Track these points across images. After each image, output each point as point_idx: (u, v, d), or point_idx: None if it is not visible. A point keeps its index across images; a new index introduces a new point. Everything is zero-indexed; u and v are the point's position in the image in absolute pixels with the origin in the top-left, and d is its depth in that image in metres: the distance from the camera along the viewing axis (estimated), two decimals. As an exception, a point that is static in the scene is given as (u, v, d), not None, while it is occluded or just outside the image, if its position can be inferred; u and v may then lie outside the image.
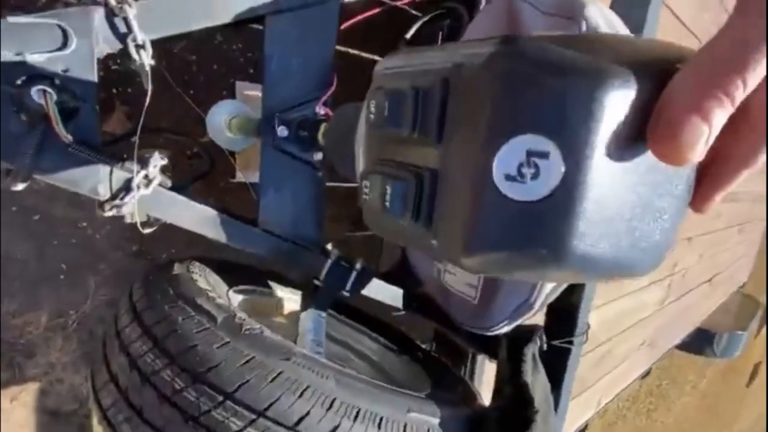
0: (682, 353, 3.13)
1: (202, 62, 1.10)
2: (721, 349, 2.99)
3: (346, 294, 0.84)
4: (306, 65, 0.69)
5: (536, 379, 0.58)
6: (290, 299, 0.96)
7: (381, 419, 0.44)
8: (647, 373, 1.95)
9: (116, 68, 0.98)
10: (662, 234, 0.19)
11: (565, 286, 0.59)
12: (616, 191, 0.17)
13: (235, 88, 1.14)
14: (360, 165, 0.27)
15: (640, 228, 0.18)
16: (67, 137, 0.48)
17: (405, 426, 0.45)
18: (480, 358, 1.02)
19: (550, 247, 0.17)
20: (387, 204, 0.20)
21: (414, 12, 0.87)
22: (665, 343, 1.97)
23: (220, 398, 0.40)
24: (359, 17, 0.78)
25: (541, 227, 0.17)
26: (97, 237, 1.07)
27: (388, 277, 0.92)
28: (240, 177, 1.22)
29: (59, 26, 0.48)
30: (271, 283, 0.93)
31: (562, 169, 0.16)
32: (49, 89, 0.47)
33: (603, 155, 0.16)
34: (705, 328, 2.49)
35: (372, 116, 0.21)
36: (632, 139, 0.17)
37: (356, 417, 0.42)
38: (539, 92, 0.16)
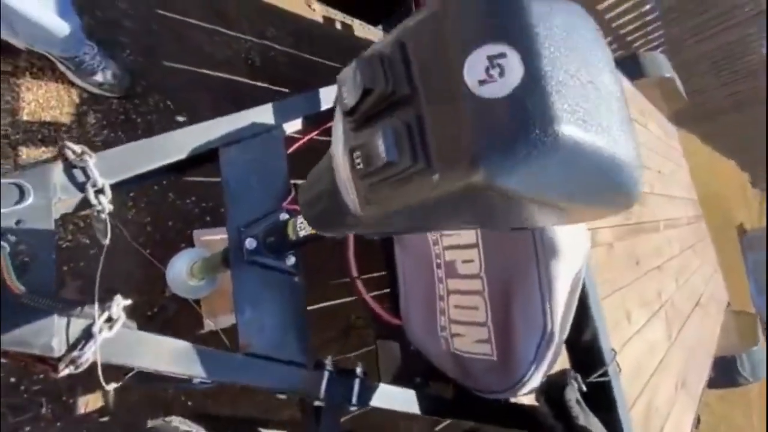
0: (719, 392, 2.90)
1: (158, 221, 1.12)
2: (749, 371, 2.84)
3: (354, 408, 0.73)
4: (263, 180, 0.74)
5: (590, 423, 0.52)
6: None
7: None
8: (698, 422, 1.77)
9: (67, 245, 0.96)
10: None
11: (573, 309, 0.57)
12: (566, 66, 0.20)
13: (192, 237, 1.15)
14: (341, 174, 0.28)
15: (600, 97, 0.20)
16: (20, 288, 0.45)
17: None
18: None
19: (539, 125, 0.18)
20: (383, 155, 0.20)
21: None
22: (696, 378, 1.85)
23: None
24: (302, 141, 0.88)
25: (524, 112, 0.19)
26: (48, 369, 0.87)
27: (396, 382, 0.83)
28: (209, 325, 1.14)
29: (15, 184, 0.49)
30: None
31: (519, 58, 0.19)
32: (2, 243, 0.45)
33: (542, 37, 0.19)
34: (723, 356, 2.40)
35: (345, 97, 0.23)
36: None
37: None
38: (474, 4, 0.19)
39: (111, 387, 0.52)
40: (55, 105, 1.01)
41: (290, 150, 0.81)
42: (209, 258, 0.96)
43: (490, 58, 0.19)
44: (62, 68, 1.02)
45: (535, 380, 0.58)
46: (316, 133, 0.91)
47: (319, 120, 0.86)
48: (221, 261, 0.82)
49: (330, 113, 0.90)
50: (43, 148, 1.00)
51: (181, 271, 1.00)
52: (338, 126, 0.28)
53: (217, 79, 1.33)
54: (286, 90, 1.51)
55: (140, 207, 1.09)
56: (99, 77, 1.04)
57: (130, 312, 0.56)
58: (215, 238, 1.17)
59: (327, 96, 0.90)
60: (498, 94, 0.19)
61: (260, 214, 0.72)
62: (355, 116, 0.23)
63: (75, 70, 1.02)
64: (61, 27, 0.90)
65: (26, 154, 0.97)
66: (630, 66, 3.11)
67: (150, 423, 0.53)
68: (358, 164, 0.22)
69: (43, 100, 1.00)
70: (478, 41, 0.19)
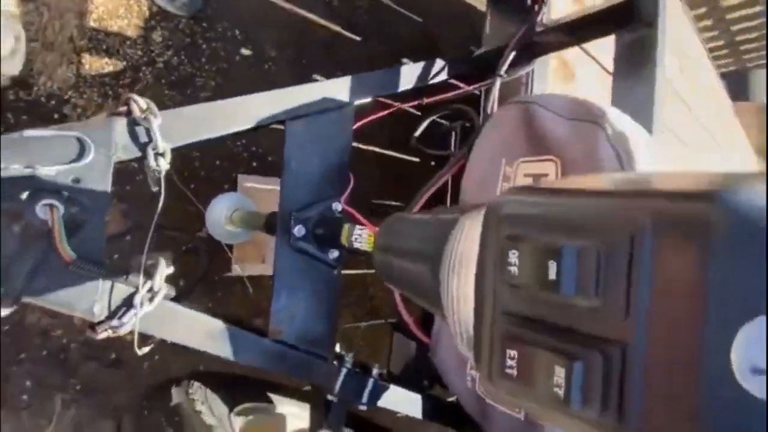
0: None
1: (205, 158, 1.09)
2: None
3: (363, 407, 0.74)
4: (323, 165, 0.69)
5: None
6: (294, 415, 0.84)
7: None
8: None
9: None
10: None
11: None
12: None
13: (237, 181, 1.12)
14: (461, 302, 0.23)
15: None
16: (71, 255, 0.43)
17: None
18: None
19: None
20: (559, 392, 0.15)
21: (416, 112, 0.91)
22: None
23: None
24: (370, 118, 0.81)
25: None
26: (72, 346, 0.94)
27: (406, 382, 0.83)
28: (236, 270, 1.16)
29: (77, 138, 0.45)
30: (273, 397, 0.81)
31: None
32: (57, 203, 0.43)
33: None
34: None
35: (514, 269, 0.17)
36: None
37: None
38: None
39: (143, 351, 0.53)
40: (123, 14, 0.95)
41: (357, 125, 0.75)
42: (251, 215, 0.94)
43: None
44: (136, -27, 0.94)
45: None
46: (381, 115, 0.83)
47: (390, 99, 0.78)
48: (263, 225, 0.80)
49: (403, 95, 0.81)
50: (106, 59, 0.95)
51: (221, 216, 0.99)
52: (476, 231, 0.22)
53: (289, 14, 1.22)
54: (358, 38, 1.38)
55: (191, 139, 1.06)
56: None
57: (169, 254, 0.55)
58: (259, 186, 1.14)
59: (408, 76, 0.80)
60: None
61: (314, 200, 0.68)
62: (521, 288, 0.17)
63: None
64: None
65: (89, 63, 0.93)
66: (735, 83, 2.71)
67: (174, 394, 0.54)
68: (510, 367, 0.17)
69: (112, 7, 0.94)
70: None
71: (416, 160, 1.53)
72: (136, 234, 0.96)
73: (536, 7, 0.76)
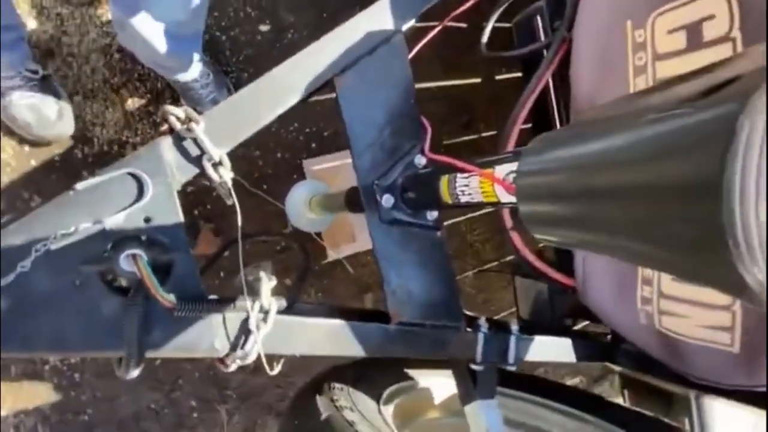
0: None
1: (266, 155, 1.05)
2: None
3: (511, 368, 0.66)
4: (390, 116, 0.57)
5: None
6: (437, 384, 0.80)
7: None
8: None
9: (190, 189, 0.96)
10: None
11: None
12: None
13: (303, 168, 1.07)
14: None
15: None
16: (171, 300, 0.39)
17: None
18: (707, 401, 0.75)
19: None
20: None
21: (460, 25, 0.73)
22: None
23: None
24: (423, 42, 0.66)
25: None
26: (216, 363, 1.01)
27: (548, 329, 0.73)
28: (332, 255, 1.14)
29: (131, 174, 0.40)
30: (411, 373, 0.78)
31: None
32: (138, 251, 0.38)
33: None
34: None
35: None
36: None
37: None
38: None
39: (275, 371, 0.50)
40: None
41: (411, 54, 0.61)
42: (329, 198, 0.88)
43: None
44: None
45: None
46: (439, 29, 0.67)
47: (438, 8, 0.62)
48: (345, 204, 0.72)
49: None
50: (142, 88, 0.93)
51: (300, 207, 0.95)
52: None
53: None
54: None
55: (246, 141, 1.02)
56: None
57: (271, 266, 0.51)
58: (327, 166, 1.08)
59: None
60: None
61: (392, 161, 0.58)
62: None
63: None
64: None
65: (130, 97, 0.92)
66: None
67: (320, 405, 0.51)
68: None
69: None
70: None
71: (477, 80, 1.32)
72: (232, 248, 0.97)
73: None
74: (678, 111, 0.15)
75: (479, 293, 1.39)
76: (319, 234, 1.09)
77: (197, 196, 0.98)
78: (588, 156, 0.19)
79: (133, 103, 0.92)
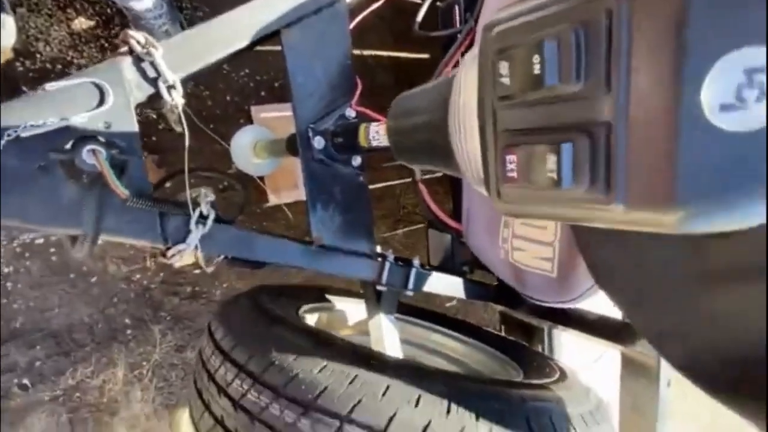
0: None
1: (216, 96, 1.10)
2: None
3: (410, 293, 0.82)
4: (328, 72, 0.68)
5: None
6: (351, 310, 0.95)
7: (501, 414, 0.41)
8: None
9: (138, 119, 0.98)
10: None
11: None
12: None
13: (251, 113, 1.13)
14: (468, 142, 0.25)
15: None
16: (124, 192, 0.48)
17: (528, 418, 0.42)
18: (556, 332, 0.98)
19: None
20: (553, 175, 0.17)
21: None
22: None
23: (337, 423, 0.39)
24: (365, 12, 0.76)
25: (775, 157, 0.14)
26: (152, 287, 1.09)
27: (445, 269, 0.90)
28: (273, 200, 1.22)
29: (94, 84, 0.47)
30: (331, 298, 0.92)
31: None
32: (98, 147, 0.47)
33: None
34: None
35: (505, 80, 0.18)
36: None
37: (477, 418, 0.40)
38: None
39: (209, 269, 0.60)
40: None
41: (354, 23, 0.71)
42: (273, 143, 0.96)
43: (749, 72, 0.13)
44: None
45: (590, 299, 0.60)
46: (376, 5, 0.77)
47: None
48: (286, 149, 0.82)
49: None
50: (91, 11, 0.93)
51: (245, 150, 1.02)
52: (472, 73, 0.23)
53: None
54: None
55: (197, 80, 1.05)
56: None
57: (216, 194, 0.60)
58: (273, 115, 1.15)
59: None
60: (742, 128, 0.14)
61: (327, 110, 0.68)
62: (514, 101, 0.19)
63: None
64: None
65: (77, 18, 0.91)
66: None
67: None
68: (511, 170, 0.19)
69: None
70: (734, 42, 0.13)
71: (425, 56, 1.44)
72: (174, 180, 1.03)
73: None
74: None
75: (405, 249, 1.56)
76: (262, 178, 1.17)
77: (144, 127, 1.01)
78: (402, 106, 0.33)
79: (80, 23, 0.92)
